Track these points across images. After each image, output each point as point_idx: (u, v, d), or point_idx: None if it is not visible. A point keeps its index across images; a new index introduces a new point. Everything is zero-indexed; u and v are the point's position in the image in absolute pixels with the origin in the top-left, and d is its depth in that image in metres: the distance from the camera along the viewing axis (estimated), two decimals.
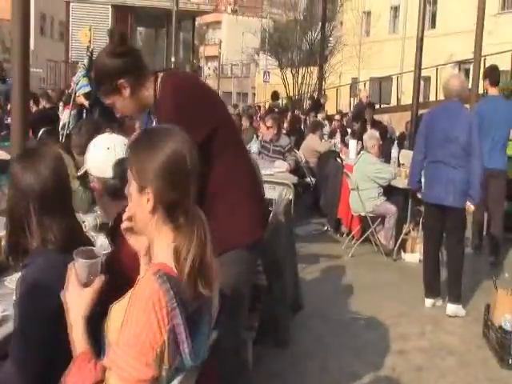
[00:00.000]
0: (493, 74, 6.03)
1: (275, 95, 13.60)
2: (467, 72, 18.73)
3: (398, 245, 6.05)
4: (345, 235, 6.75)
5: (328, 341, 3.94)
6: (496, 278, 4.13)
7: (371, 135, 6.18)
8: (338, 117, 10.01)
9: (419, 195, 5.01)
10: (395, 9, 26.52)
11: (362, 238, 6.26)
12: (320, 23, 22.82)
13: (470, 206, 4.43)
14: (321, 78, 18.47)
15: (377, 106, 21.40)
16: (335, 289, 5.05)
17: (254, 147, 6.44)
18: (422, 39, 10.39)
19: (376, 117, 12.82)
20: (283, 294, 3.56)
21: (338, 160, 7.33)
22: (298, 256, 5.95)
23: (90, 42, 9.87)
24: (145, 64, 2.19)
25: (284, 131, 9.05)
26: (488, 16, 14.84)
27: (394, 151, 6.76)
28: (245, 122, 9.17)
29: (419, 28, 10.25)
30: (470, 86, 15.19)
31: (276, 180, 5.03)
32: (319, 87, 18.51)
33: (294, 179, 5.66)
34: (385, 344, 3.94)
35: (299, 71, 21.65)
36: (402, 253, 6.13)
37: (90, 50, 9.61)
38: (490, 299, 4.16)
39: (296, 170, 8.31)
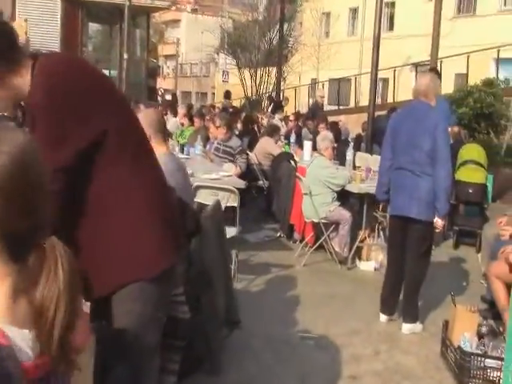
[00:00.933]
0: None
1: (227, 94, 13.19)
2: None
3: (352, 252, 5.72)
4: (298, 242, 6.39)
5: (272, 365, 3.54)
6: (454, 293, 3.82)
7: (324, 137, 5.83)
8: (292, 117, 9.66)
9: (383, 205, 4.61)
10: (354, 10, 26.49)
11: (316, 245, 5.91)
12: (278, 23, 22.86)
13: (438, 221, 4.02)
14: (279, 78, 18.20)
15: (335, 108, 21.44)
16: (284, 303, 4.66)
17: (197, 149, 6.00)
18: (378, 40, 10.24)
19: (333, 118, 12.61)
20: (213, 308, 3.14)
21: (292, 162, 6.96)
22: (247, 265, 5.60)
23: (26, 33, 9.20)
24: (18, 44, 1.69)
25: (237, 132, 8.67)
26: (444, 20, 14.92)
27: (349, 153, 6.44)
28: (197, 122, 8.71)
29: (375, 29, 10.07)
30: None
31: (219, 185, 4.60)
32: (277, 87, 18.25)
33: (242, 184, 5.24)
34: (336, 368, 3.56)
35: (257, 71, 21.31)
36: (357, 261, 5.80)
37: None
38: (449, 313, 3.86)
39: (247, 172, 7.96)
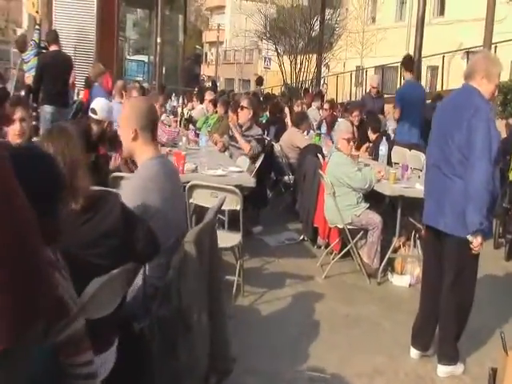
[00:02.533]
0: (407, 63, 7.27)
1: (259, 80, 12.41)
2: None
3: (383, 264, 4.90)
4: (323, 248, 5.61)
5: None
6: (506, 326, 2.97)
7: (339, 126, 4.99)
8: (327, 106, 8.78)
9: None
10: None
11: (342, 253, 5.12)
12: (326, 10, 21.84)
13: (470, 241, 3.10)
14: (319, 64, 17.30)
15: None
16: (294, 326, 3.91)
17: (202, 140, 5.24)
18: (422, 22, 9.33)
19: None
20: (192, 359, 2.42)
21: (320, 156, 6.15)
22: (259, 275, 4.86)
23: (37, 12, 8.69)
24: None
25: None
26: (499, 3, 13.67)
27: (383, 148, 5.59)
28: (220, 110, 7.99)
29: (419, 10, 9.15)
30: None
31: (220, 185, 3.86)
32: (317, 75, 17.37)
33: (251, 182, 4.49)
34: None
35: (297, 58, 20.42)
36: (389, 274, 4.99)
37: (38, 22, 8.47)
38: (497, 352, 3.02)
39: (273, 165, 7.22)
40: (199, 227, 2.49)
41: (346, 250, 5.03)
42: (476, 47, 15.09)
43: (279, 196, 7.58)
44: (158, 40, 14.40)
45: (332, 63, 23.60)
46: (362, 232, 4.89)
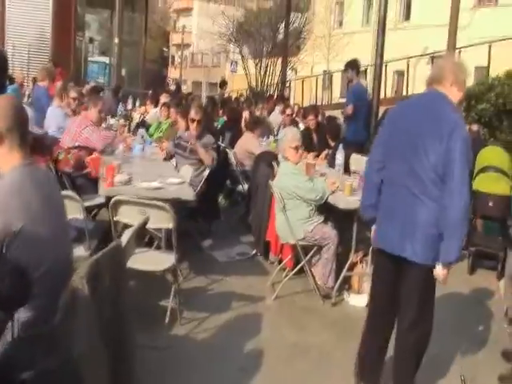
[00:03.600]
0: (356, 65, 7.70)
1: (222, 84, 11.97)
2: None
3: (339, 283, 4.52)
4: (276, 263, 5.20)
5: None
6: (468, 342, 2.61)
7: (285, 134, 4.60)
8: (289, 111, 8.40)
9: (372, 232, 3.18)
10: None
11: (295, 270, 4.71)
12: (293, 13, 21.57)
13: (438, 270, 2.77)
14: (284, 68, 17.01)
15: (343, 100, 20.12)
16: (237, 363, 3.46)
17: (136, 148, 4.73)
18: (384, 26, 9.16)
19: (335, 112, 11.35)
20: None
21: (275, 164, 5.75)
22: (203, 298, 4.42)
23: None
24: None
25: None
26: (464, 9, 13.60)
27: (339, 156, 5.22)
28: (173, 114, 7.51)
29: (380, 14, 8.95)
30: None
31: (148, 201, 3.40)
32: (283, 78, 17.10)
33: (190, 195, 4.04)
34: None
35: (262, 62, 20.10)
36: (346, 293, 4.60)
37: None
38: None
39: (227, 174, 6.80)
40: (96, 257, 2.04)
41: (298, 267, 4.63)
42: (440, 52, 15.01)
43: (235, 206, 7.17)
44: (116, 40, 13.96)
45: (299, 67, 23.37)
46: (315, 248, 4.50)
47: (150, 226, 3.31)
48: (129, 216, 3.32)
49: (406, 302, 2.88)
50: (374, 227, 3.11)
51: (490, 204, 5.74)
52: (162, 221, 3.31)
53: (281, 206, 4.39)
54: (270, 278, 4.83)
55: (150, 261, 3.48)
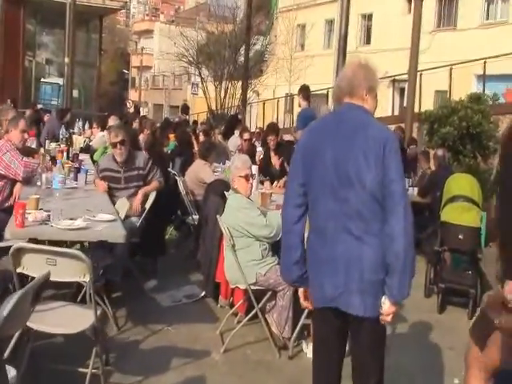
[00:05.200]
0: (305, 92, 8.13)
1: (185, 108, 11.43)
2: (402, 90, 17.42)
3: (296, 332, 3.94)
4: (227, 307, 4.61)
5: None
6: None
7: (234, 161, 4.06)
8: (246, 135, 7.87)
9: (300, 292, 2.60)
10: (330, 22, 25.08)
11: (247, 318, 4.12)
12: (255, 36, 21.32)
13: (386, 309, 2.31)
14: (245, 90, 16.62)
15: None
16: None
17: (56, 179, 4.00)
18: (344, 53, 8.97)
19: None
20: None
21: (227, 195, 5.18)
22: (139, 356, 3.79)
23: None
24: None
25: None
26: (423, 33, 13.55)
27: None
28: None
29: (340, 41, 8.71)
30: (405, 103, 13.61)
31: (58, 249, 2.77)
32: (243, 100, 16.70)
33: (120, 236, 3.41)
34: None
35: (222, 84, 19.69)
36: (304, 344, 4.03)
37: None
38: None
39: (177, 203, 6.21)
40: None
41: (251, 314, 4.04)
42: (401, 75, 14.89)
43: (186, 238, 6.55)
44: (66, 60, 13.28)
45: (261, 89, 23.06)
46: (270, 293, 3.93)
47: (60, 279, 2.68)
48: (34, 267, 2.69)
49: (366, 365, 2.40)
50: (301, 289, 2.57)
51: (460, 236, 5.31)
52: (75, 272, 2.69)
53: (229, 244, 3.82)
54: (220, 326, 4.23)
55: (62, 320, 2.84)
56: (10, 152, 4.40)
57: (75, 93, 16.30)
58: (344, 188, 2.31)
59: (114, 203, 4.61)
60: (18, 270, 2.72)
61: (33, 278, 2.71)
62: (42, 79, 21.32)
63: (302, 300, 2.60)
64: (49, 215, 3.38)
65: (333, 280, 2.35)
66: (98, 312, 2.89)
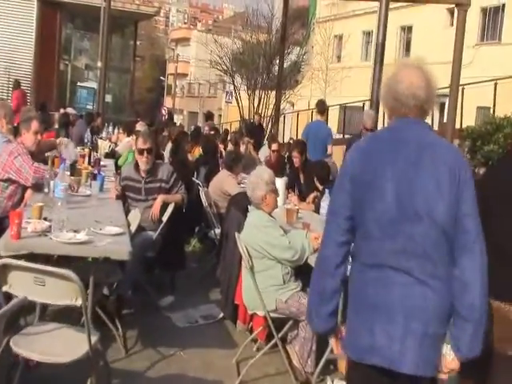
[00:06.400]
0: (320, 106, 8.67)
1: (209, 115, 11.16)
2: (442, 105, 16.82)
3: (320, 367, 3.53)
4: (246, 332, 4.22)
5: None
6: None
7: (256, 176, 3.66)
8: (274, 146, 7.46)
9: (332, 341, 2.17)
10: (368, 34, 24.62)
11: (268, 346, 3.73)
12: (290, 46, 21.02)
13: (448, 364, 1.91)
14: (278, 100, 16.26)
15: (340, 136, 19.41)
16: None
17: (58, 187, 3.69)
18: (381, 66, 8.57)
19: (337, 148, 10.49)
20: None
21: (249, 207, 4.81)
22: (145, 382, 3.45)
23: None
24: None
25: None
26: (466, 47, 13.02)
27: (324, 204, 4.29)
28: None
29: (377, 55, 8.31)
30: (445, 119, 13.00)
31: (46, 267, 2.43)
32: (276, 111, 16.33)
33: (124, 254, 3.06)
34: None
35: (255, 92, 19.42)
36: (329, 380, 3.61)
37: None
38: None
39: (200, 216, 5.89)
40: None
41: (271, 344, 3.65)
42: (441, 89, 14.35)
43: (210, 252, 6.19)
44: (99, 64, 13.20)
45: (295, 100, 22.71)
46: (291, 321, 3.54)
47: (50, 301, 2.36)
48: (21, 286, 2.36)
49: None
50: (333, 339, 2.15)
51: None
52: (65, 294, 2.35)
53: (248, 266, 3.44)
54: (237, 354, 3.85)
55: (53, 347, 2.51)
56: (22, 156, 4.14)
57: (108, 98, 16.27)
58: (408, 223, 1.89)
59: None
60: (4, 289, 2.40)
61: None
62: (79, 83, 21.47)
63: (335, 349, 2.17)
64: (50, 226, 3.07)
65: (387, 329, 1.92)
66: (95, 338, 2.54)
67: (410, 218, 1.89)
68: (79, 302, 2.34)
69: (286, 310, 3.44)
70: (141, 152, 4.56)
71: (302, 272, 3.56)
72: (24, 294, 2.28)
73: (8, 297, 2.49)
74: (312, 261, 3.52)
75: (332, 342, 2.17)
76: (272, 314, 3.46)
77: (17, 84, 12.67)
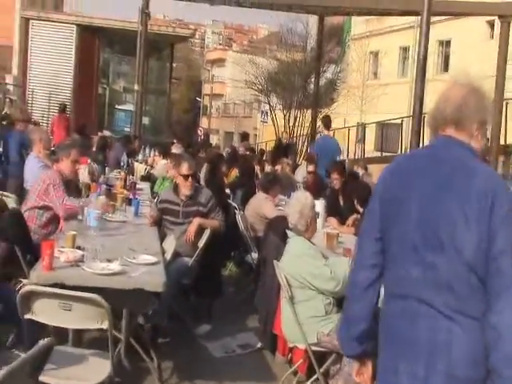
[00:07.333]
0: (326, 121, 9.47)
1: (245, 136, 11.11)
2: None
3: None
4: (286, 364, 4.03)
5: None
6: None
7: (298, 202, 3.49)
8: (311, 167, 7.28)
9: (354, 366, 2.05)
10: (405, 49, 24.30)
11: (309, 381, 3.53)
12: (326, 64, 20.95)
13: None
14: (314, 119, 16.13)
15: (377, 154, 19.09)
16: None
17: (91, 215, 3.60)
18: (423, 81, 8.32)
19: (375, 167, 10.26)
20: None
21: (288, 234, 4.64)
22: None
23: None
24: None
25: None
26: (510, 60, 12.62)
27: None
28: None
29: (418, 68, 8.11)
30: (488, 134, 12.63)
31: (72, 293, 2.32)
32: (313, 129, 16.19)
33: (158, 285, 2.93)
34: None
35: (291, 112, 19.34)
36: None
37: None
38: None
39: (236, 240, 5.74)
40: None
41: (313, 379, 3.45)
42: None
43: (247, 277, 6.04)
44: (136, 87, 13.34)
45: (331, 118, 22.56)
46: (334, 355, 3.34)
47: (76, 326, 2.28)
48: (47, 313, 2.29)
49: None
50: (356, 364, 2.02)
51: None
52: (92, 318, 2.25)
53: (287, 296, 3.27)
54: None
55: (72, 372, 2.40)
56: (56, 188, 4.07)
57: (145, 120, 16.43)
58: (430, 251, 1.73)
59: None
60: (27, 316, 2.32)
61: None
62: (117, 106, 21.84)
63: (353, 373, 2.03)
64: (83, 255, 2.98)
65: (411, 368, 1.77)
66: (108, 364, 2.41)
67: (432, 245, 1.73)
68: (105, 325, 2.25)
69: (329, 343, 3.24)
70: (186, 178, 4.51)
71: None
72: (48, 321, 2.21)
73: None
74: None
75: (354, 366, 2.05)
76: (313, 348, 3.26)
77: (62, 107, 12.95)
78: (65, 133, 11.73)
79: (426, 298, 1.74)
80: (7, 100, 14.67)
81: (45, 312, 2.30)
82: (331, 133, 9.40)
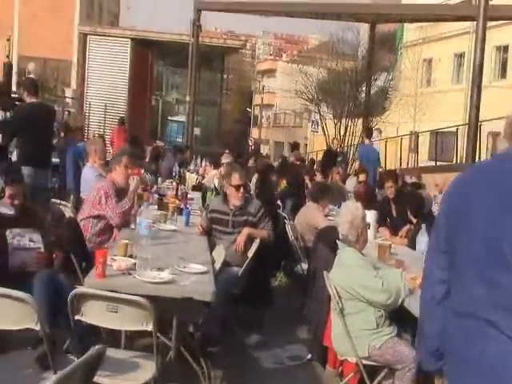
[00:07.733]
0: (367, 130, 11.04)
1: (295, 145, 11.11)
2: None
3: None
4: (337, 376, 3.96)
5: None
6: None
7: (350, 212, 3.42)
8: (362, 177, 7.21)
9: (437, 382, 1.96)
10: (459, 56, 23.69)
11: None
12: (377, 72, 20.71)
13: None
14: (366, 127, 15.94)
15: (431, 163, 18.61)
16: None
17: (142, 224, 3.64)
18: (479, 89, 8.02)
19: (429, 176, 10.00)
20: None
21: (339, 244, 4.58)
22: None
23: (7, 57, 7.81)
24: None
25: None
26: None
27: (423, 239, 3.98)
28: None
29: (474, 73, 7.87)
30: None
31: (119, 295, 2.38)
32: (363, 139, 16.02)
33: (207, 293, 2.94)
34: None
35: (341, 121, 19.17)
36: None
37: None
38: None
39: (285, 250, 5.72)
40: None
41: None
42: None
43: (298, 287, 5.99)
44: (188, 98, 13.60)
45: (383, 127, 22.22)
46: (386, 369, 3.25)
47: (122, 327, 2.33)
48: (95, 314, 2.36)
49: None
50: (439, 380, 1.92)
51: None
52: (137, 320, 2.31)
53: (337, 308, 3.22)
54: None
55: (119, 371, 2.45)
56: (108, 198, 4.17)
57: (197, 130, 16.71)
58: (494, 268, 1.64)
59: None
60: (77, 317, 2.40)
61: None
62: (169, 117, 22.29)
63: None
64: (135, 263, 3.04)
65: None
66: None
67: (496, 263, 1.63)
68: (150, 327, 2.30)
69: (380, 357, 3.17)
70: (237, 188, 4.54)
71: (396, 316, 3.28)
72: (95, 321, 2.27)
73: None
74: (407, 303, 3.23)
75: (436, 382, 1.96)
76: (364, 361, 3.19)
77: (122, 120, 13.38)
78: (124, 144, 12.10)
79: (487, 318, 1.64)
80: (66, 113, 15.23)
81: (93, 313, 2.39)
82: (374, 142, 9.83)
